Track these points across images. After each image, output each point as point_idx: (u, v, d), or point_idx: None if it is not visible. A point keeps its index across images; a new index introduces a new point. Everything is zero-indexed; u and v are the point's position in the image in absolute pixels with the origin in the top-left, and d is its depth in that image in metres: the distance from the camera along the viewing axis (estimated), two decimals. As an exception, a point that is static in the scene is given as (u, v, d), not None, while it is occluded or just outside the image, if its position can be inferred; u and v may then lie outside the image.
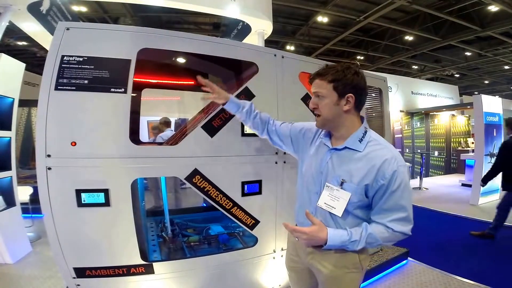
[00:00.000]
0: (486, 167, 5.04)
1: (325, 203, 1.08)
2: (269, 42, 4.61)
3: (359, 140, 1.06)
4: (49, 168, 1.38)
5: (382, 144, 1.06)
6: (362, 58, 10.29)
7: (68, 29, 1.41)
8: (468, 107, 7.42)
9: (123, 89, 1.47)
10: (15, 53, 7.87)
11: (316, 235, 1.05)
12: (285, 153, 1.95)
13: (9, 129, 2.84)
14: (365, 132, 1.09)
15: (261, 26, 4.09)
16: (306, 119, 2.04)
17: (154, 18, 7.31)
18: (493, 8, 6.49)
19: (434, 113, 8.30)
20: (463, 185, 6.45)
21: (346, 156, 1.07)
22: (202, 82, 1.40)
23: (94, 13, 6.87)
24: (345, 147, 1.08)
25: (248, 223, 1.85)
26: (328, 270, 1.11)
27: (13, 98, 2.85)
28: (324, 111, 1.08)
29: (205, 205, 3.09)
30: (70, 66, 1.40)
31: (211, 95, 1.40)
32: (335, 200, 1.06)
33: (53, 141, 1.38)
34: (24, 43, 7.74)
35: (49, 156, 1.37)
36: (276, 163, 1.92)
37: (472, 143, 7.64)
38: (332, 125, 1.11)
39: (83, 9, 6.25)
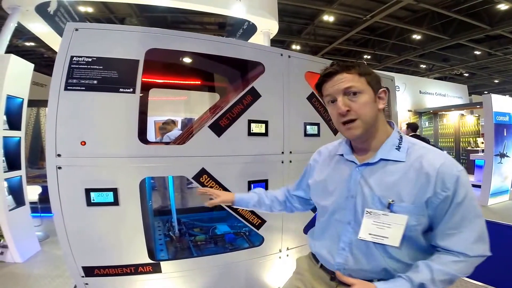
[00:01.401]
0: (496, 167, 4.96)
1: (370, 234, 0.84)
2: (274, 42, 4.59)
3: (396, 148, 0.85)
4: (59, 168, 1.39)
5: (427, 147, 0.85)
6: (369, 57, 10.20)
7: (77, 29, 1.42)
8: (478, 106, 7.29)
9: (131, 89, 1.48)
10: (23, 53, 7.99)
11: None
12: (291, 152, 1.94)
13: (18, 129, 2.89)
14: (401, 137, 0.87)
15: (267, 26, 4.08)
16: (312, 118, 2.04)
17: (159, 18, 7.35)
18: (503, 6, 6.37)
19: (443, 112, 8.17)
20: (472, 185, 6.31)
21: (384, 170, 0.84)
22: (202, 190, 1.33)
23: (100, 14, 6.94)
24: (381, 159, 0.85)
25: (254, 222, 1.85)
26: None
27: (23, 98, 2.89)
28: (365, 110, 0.83)
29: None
30: (80, 66, 1.41)
31: (215, 200, 1.25)
32: (385, 227, 0.82)
33: (63, 140, 1.40)
34: (32, 43, 7.85)
35: (59, 155, 1.39)
36: (282, 162, 1.91)
37: (482, 143, 7.49)
38: (372, 130, 0.86)
39: (90, 9, 6.32)
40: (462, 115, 8.49)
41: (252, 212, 1.83)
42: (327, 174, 0.99)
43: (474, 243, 0.80)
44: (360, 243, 0.86)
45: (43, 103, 5.57)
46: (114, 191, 1.47)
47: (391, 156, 0.84)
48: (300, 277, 1.05)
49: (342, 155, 0.96)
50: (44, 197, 3.53)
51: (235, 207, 1.29)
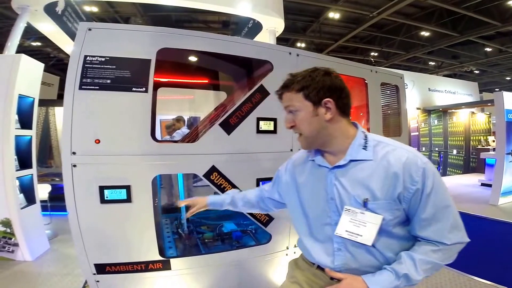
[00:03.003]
0: (508, 166, 4.85)
1: (346, 231, 0.86)
2: (278, 40, 4.54)
3: (363, 148, 0.89)
4: (74, 166, 1.42)
5: (393, 145, 0.89)
6: (376, 54, 10.07)
7: (90, 29, 1.44)
8: (489, 104, 7.14)
9: (144, 89, 1.49)
10: (29, 53, 8.07)
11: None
12: (299, 150, 1.93)
13: (30, 128, 2.93)
14: (366, 136, 0.91)
15: (273, 24, 4.06)
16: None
17: (164, 17, 7.38)
18: (514, 3, 6.22)
19: (453, 110, 8.04)
20: (482, 184, 6.22)
21: (355, 170, 0.88)
22: (184, 202, 1.40)
23: (105, 13, 6.98)
24: (350, 161, 0.89)
25: (262, 220, 1.86)
26: None
27: (34, 98, 2.93)
28: (304, 127, 0.90)
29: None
30: (93, 66, 1.43)
31: (193, 209, 1.33)
32: (360, 226, 0.85)
33: (78, 139, 1.42)
34: (38, 43, 7.94)
35: (74, 153, 1.41)
36: (290, 160, 1.91)
37: (493, 141, 7.35)
38: (320, 141, 0.92)
39: (94, 9, 6.34)
40: (473, 113, 8.34)
41: (261, 210, 1.83)
42: (305, 180, 1.01)
43: (450, 231, 0.84)
44: (342, 240, 0.89)
45: (52, 102, 5.65)
46: (127, 188, 1.49)
47: (359, 156, 0.88)
48: (296, 280, 1.05)
49: (313, 160, 0.99)
50: (54, 195, 3.57)
51: (210, 208, 1.34)
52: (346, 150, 0.90)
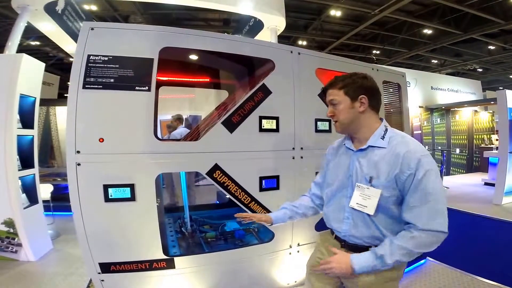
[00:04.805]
0: (511, 165, 4.81)
1: (357, 203, 1.08)
2: (280, 37, 4.50)
3: (381, 138, 1.09)
4: (79, 164, 1.42)
5: (405, 138, 1.08)
6: (378, 52, 10.01)
7: (92, 29, 1.44)
8: (492, 102, 7.09)
9: (147, 88, 1.50)
10: (29, 53, 8.04)
11: (339, 261, 1.04)
12: (302, 148, 1.93)
13: (31, 127, 2.92)
14: (386, 129, 1.11)
15: (274, 22, 4.04)
16: (323, 114, 2.01)
17: (164, 15, 7.33)
18: (518, 0, 6.15)
19: (455, 109, 7.98)
20: (486, 184, 6.18)
21: (371, 154, 1.09)
22: (242, 216, 1.37)
23: (105, 12, 6.92)
24: (369, 146, 1.10)
25: (266, 218, 1.84)
26: (366, 282, 1.07)
27: (35, 97, 2.93)
28: (341, 115, 1.12)
29: (218, 202, 3.11)
30: (96, 65, 1.44)
31: (260, 217, 1.37)
32: (366, 199, 1.06)
33: (82, 138, 1.42)
34: (37, 42, 7.92)
35: (78, 152, 1.41)
36: (293, 158, 1.90)
37: (496, 140, 7.29)
38: (352, 127, 1.14)
39: (94, 7, 6.28)
40: (476, 111, 8.28)
41: (264, 208, 1.82)
42: (336, 161, 1.23)
43: (430, 218, 0.95)
44: (355, 211, 1.09)
45: (53, 102, 5.64)
46: (131, 186, 1.49)
47: (376, 144, 1.09)
48: (320, 249, 1.28)
49: (345, 145, 1.21)
50: (55, 195, 3.55)
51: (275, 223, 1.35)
52: (369, 138, 1.11)
